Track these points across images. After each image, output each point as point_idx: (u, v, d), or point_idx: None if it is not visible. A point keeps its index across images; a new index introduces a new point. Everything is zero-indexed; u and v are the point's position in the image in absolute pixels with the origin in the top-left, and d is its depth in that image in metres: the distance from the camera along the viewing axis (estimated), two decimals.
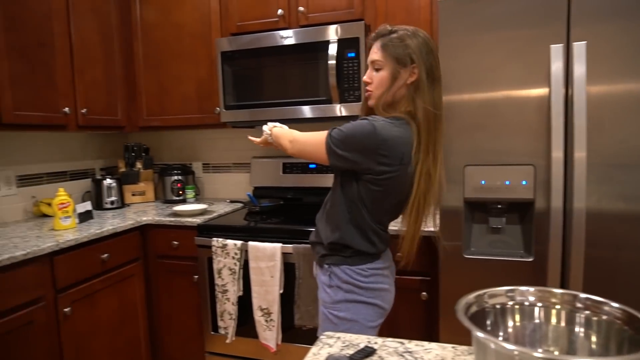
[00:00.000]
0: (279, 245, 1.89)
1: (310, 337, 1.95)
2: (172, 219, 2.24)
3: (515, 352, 0.55)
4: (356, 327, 1.29)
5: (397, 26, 1.28)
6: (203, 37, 2.44)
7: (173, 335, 2.33)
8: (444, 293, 1.67)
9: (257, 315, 1.96)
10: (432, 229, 1.68)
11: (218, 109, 2.39)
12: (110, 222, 2.17)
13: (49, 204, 2.32)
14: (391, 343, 0.88)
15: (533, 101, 1.51)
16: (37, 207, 2.37)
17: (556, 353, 0.67)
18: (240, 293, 2.01)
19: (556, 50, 1.45)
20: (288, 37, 2.18)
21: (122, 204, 2.64)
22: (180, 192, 2.72)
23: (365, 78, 1.32)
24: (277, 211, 2.40)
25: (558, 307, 0.68)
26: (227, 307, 2.03)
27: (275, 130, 1.45)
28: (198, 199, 2.84)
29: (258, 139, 1.56)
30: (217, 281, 2.03)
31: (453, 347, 0.84)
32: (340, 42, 2.06)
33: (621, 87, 1.40)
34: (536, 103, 1.50)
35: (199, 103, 2.49)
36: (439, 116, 1.26)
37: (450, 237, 1.64)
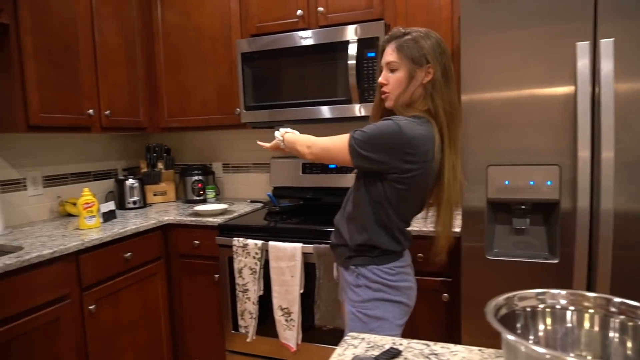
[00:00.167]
0: (300, 245, 1.90)
1: (330, 337, 1.96)
2: (193, 218, 2.27)
3: (547, 356, 0.54)
4: (385, 325, 1.30)
5: (409, 28, 1.32)
6: (223, 38, 2.46)
7: (194, 333, 2.36)
8: (466, 294, 1.66)
9: (278, 315, 1.97)
10: (456, 230, 1.67)
11: (238, 109, 2.41)
12: (132, 222, 2.21)
13: (74, 204, 2.37)
14: (416, 345, 0.87)
15: (558, 99, 1.48)
16: (63, 207, 2.42)
17: (589, 358, 0.65)
18: (261, 292, 2.02)
19: (582, 48, 1.42)
20: (307, 37, 2.18)
21: (144, 203, 2.69)
22: (201, 192, 2.75)
23: (380, 79, 1.34)
24: (297, 211, 2.40)
25: (591, 311, 0.66)
26: (248, 307, 2.04)
27: (288, 136, 1.46)
28: (218, 198, 2.87)
29: (268, 144, 1.57)
30: (238, 280, 2.05)
31: (480, 350, 0.83)
32: (360, 42, 2.06)
33: None
34: (561, 101, 1.47)
35: (219, 104, 2.51)
36: (457, 114, 1.30)
37: (472, 238, 1.62)
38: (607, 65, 1.38)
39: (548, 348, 0.63)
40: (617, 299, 0.66)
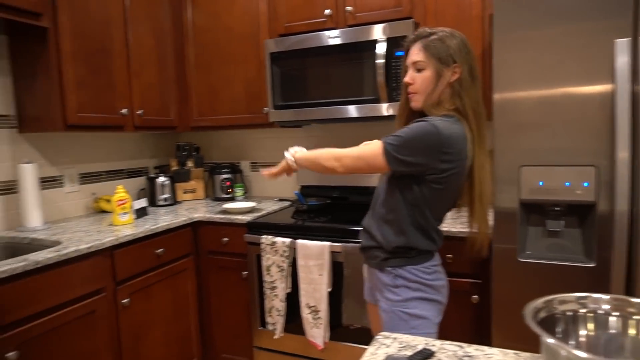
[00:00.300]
0: (328, 243, 1.91)
1: (357, 336, 1.96)
2: (222, 216, 2.30)
3: None
4: (425, 324, 1.31)
5: (434, 28, 1.33)
6: (252, 38, 2.49)
7: (222, 329, 2.40)
8: (496, 297, 1.63)
9: (305, 313, 1.98)
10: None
11: (266, 108, 2.43)
12: (163, 219, 2.26)
13: (108, 201, 2.45)
14: (449, 346, 0.87)
15: (595, 98, 1.44)
16: (97, 204, 2.50)
17: None
18: (289, 290, 2.04)
19: (622, 45, 1.37)
20: (335, 37, 2.18)
21: (174, 201, 2.75)
22: (229, 190, 2.79)
23: (406, 79, 1.34)
24: (325, 210, 2.41)
25: (637, 317, 0.65)
26: (275, 304, 2.07)
27: (302, 154, 1.43)
28: (246, 197, 2.91)
29: (274, 170, 1.51)
30: (266, 278, 2.07)
31: (515, 354, 0.82)
32: (388, 40, 2.05)
33: None
34: (599, 100, 1.43)
35: (247, 103, 2.54)
36: (483, 112, 1.32)
37: (504, 239, 1.60)
38: None
39: (590, 354, 0.61)
40: None
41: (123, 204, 2.13)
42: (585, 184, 1.46)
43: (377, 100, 2.11)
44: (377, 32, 2.08)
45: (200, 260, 2.41)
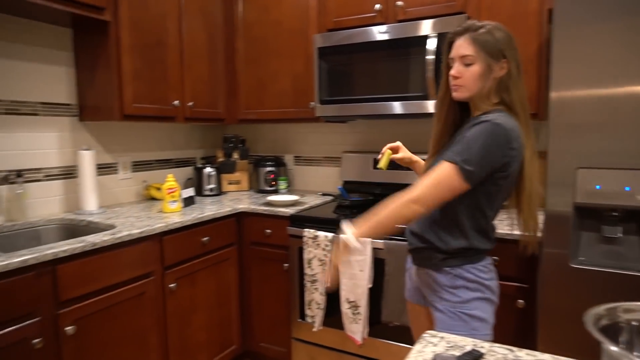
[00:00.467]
0: (370, 239, 1.90)
1: (396, 333, 1.95)
2: (266, 208, 2.34)
3: None
4: (485, 326, 1.30)
5: (481, 22, 1.29)
6: (300, 33, 2.51)
7: (262, 318, 2.45)
8: (544, 302, 1.57)
9: (344, 308, 1.99)
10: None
11: (313, 103, 2.45)
12: (209, 208, 2.33)
13: (159, 189, 2.54)
14: (499, 349, 0.85)
15: None
16: (148, 191, 2.61)
17: None
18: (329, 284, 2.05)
19: None
20: (384, 32, 2.16)
21: (219, 191, 2.82)
22: (273, 183, 2.84)
23: (453, 72, 1.30)
24: (367, 206, 2.40)
25: None
26: (315, 297, 2.09)
27: (366, 228, 1.31)
28: (289, 190, 2.94)
29: (332, 271, 1.42)
30: (307, 270, 2.10)
31: None
32: (440, 36, 2.01)
33: None
34: None
35: (294, 97, 2.57)
36: (528, 108, 1.29)
37: (555, 244, 1.54)
38: None
39: None
40: None
41: (172, 192, 2.21)
42: None
43: (425, 97, 2.07)
44: (428, 27, 2.05)
45: (243, 250, 2.46)
